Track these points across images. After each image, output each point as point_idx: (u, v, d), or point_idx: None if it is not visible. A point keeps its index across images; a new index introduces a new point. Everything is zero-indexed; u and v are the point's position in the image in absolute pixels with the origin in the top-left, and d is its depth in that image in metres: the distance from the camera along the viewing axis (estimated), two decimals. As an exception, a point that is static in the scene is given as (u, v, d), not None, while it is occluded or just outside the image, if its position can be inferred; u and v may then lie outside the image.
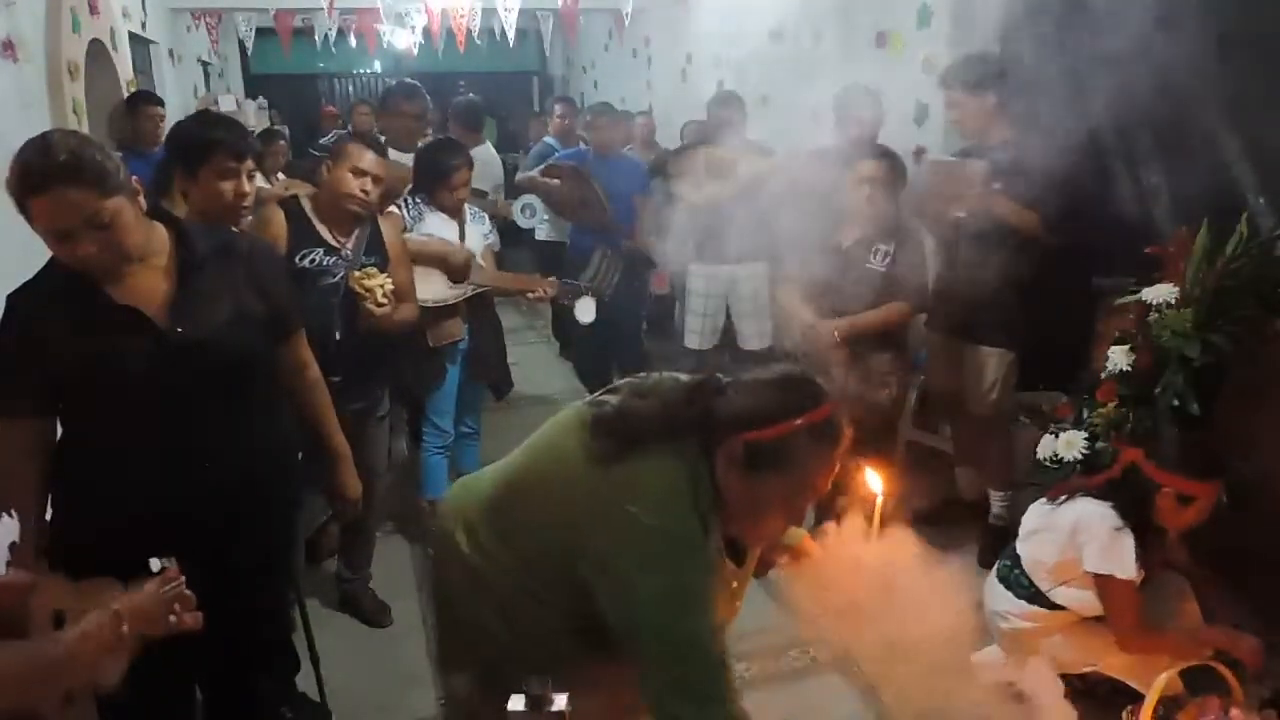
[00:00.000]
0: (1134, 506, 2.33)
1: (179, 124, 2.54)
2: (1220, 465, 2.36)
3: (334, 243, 2.79)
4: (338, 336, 2.74)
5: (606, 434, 1.46)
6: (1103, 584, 2.35)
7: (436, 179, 3.36)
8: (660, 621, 1.39)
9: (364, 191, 2.75)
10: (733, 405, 1.44)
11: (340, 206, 2.78)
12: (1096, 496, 2.40)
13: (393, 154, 4.26)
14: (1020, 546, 2.58)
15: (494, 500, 1.63)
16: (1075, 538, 2.38)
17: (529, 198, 5.20)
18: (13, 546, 1.78)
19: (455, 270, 3.32)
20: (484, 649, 1.60)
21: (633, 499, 1.40)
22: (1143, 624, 2.37)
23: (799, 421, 1.39)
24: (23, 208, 1.65)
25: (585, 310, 3.89)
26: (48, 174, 1.60)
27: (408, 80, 4.89)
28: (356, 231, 2.84)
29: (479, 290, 3.44)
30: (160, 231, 1.83)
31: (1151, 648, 2.39)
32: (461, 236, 3.42)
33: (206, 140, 2.28)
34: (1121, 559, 2.29)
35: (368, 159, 2.75)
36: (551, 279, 3.81)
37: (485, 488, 1.68)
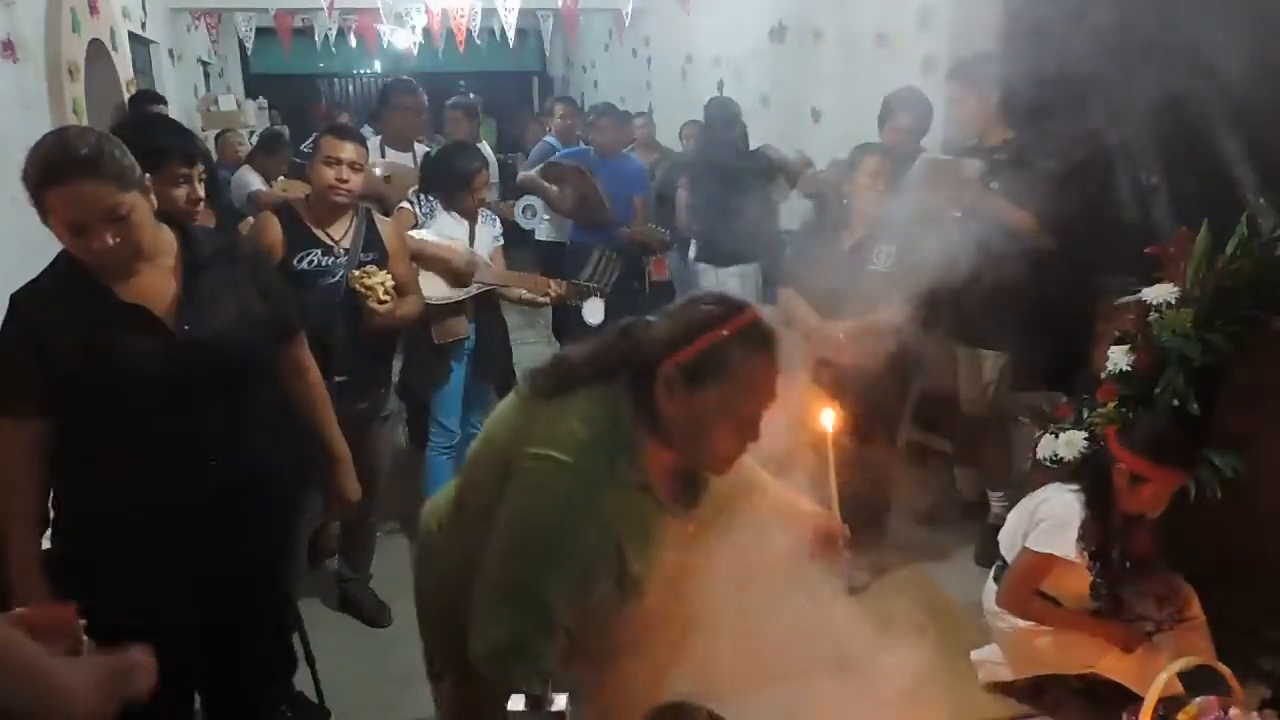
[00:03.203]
0: (1097, 483, 2.36)
1: (121, 129, 2.49)
2: (1184, 457, 2.36)
3: (329, 242, 2.79)
4: (341, 336, 2.74)
5: (538, 376, 1.51)
6: (1028, 553, 2.41)
7: (458, 183, 3.35)
8: (519, 545, 1.41)
9: (340, 180, 2.74)
10: (659, 334, 1.46)
11: (324, 200, 2.78)
12: (1066, 481, 2.45)
13: (391, 154, 4.27)
14: (1002, 546, 2.61)
15: (458, 483, 1.68)
16: (1033, 518, 2.44)
17: (530, 199, 5.20)
18: None
19: (457, 275, 3.32)
20: (456, 639, 1.58)
21: (548, 434, 1.42)
22: (1032, 597, 2.46)
23: (725, 331, 1.41)
24: (39, 201, 1.65)
25: (594, 311, 3.87)
26: (69, 166, 1.62)
27: (403, 76, 4.90)
28: (351, 228, 2.84)
29: (485, 289, 3.44)
30: (166, 232, 1.85)
31: (1029, 614, 2.48)
32: (471, 237, 3.42)
33: (157, 148, 2.23)
34: (1065, 541, 2.34)
35: (341, 148, 2.75)
36: (558, 279, 3.80)
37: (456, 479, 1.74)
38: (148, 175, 2.14)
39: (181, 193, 2.27)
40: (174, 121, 2.52)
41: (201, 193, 2.33)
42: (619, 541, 1.46)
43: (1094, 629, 2.44)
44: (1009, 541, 2.59)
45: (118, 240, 1.67)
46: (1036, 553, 2.39)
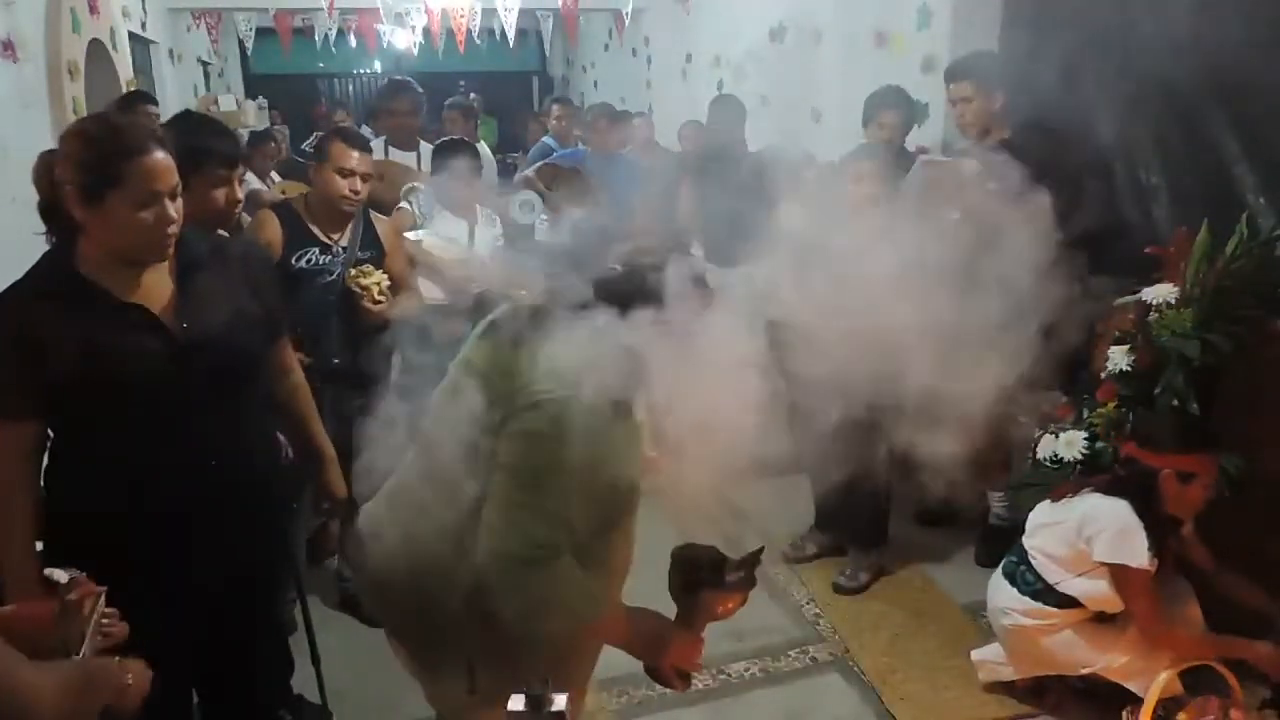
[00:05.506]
0: (1145, 499, 2.33)
1: (165, 128, 2.48)
2: (1210, 436, 2.37)
3: (327, 240, 2.81)
4: (338, 334, 2.75)
5: (516, 324, 1.56)
6: (1118, 575, 2.35)
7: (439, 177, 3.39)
8: (531, 472, 1.47)
9: (353, 191, 2.77)
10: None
11: (333, 208, 2.80)
12: (1104, 493, 2.41)
13: (395, 154, 4.27)
14: (1028, 542, 2.57)
15: (423, 449, 1.70)
16: (1082, 531, 2.39)
17: (528, 194, 5.18)
18: None
19: (450, 285, 3.32)
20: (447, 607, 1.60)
21: (548, 370, 1.45)
22: (1161, 615, 2.38)
23: None
24: (113, 175, 1.63)
25: None
26: (150, 138, 1.67)
27: (397, 77, 4.87)
28: (349, 227, 2.86)
29: (483, 290, 3.44)
30: None
31: (1169, 642, 2.39)
32: (471, 237, 3.42)
33: (199, 149, 2.23)
34: (1134, 549, 2.30)
35: (353, 158, 2.77)
36: None
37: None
38: (190, 176, 2.17)
39: (221, 194, 2.27)
40: (216, 122, 2.50)
41: (240, 195, 2.34)
42: (619, 456, 1.52)
43: (1244, 652, 2.39)
44: (1044, 544, 2.51)
45: (178, 215, 1.71)
46: (1116, 565, 2.33)
